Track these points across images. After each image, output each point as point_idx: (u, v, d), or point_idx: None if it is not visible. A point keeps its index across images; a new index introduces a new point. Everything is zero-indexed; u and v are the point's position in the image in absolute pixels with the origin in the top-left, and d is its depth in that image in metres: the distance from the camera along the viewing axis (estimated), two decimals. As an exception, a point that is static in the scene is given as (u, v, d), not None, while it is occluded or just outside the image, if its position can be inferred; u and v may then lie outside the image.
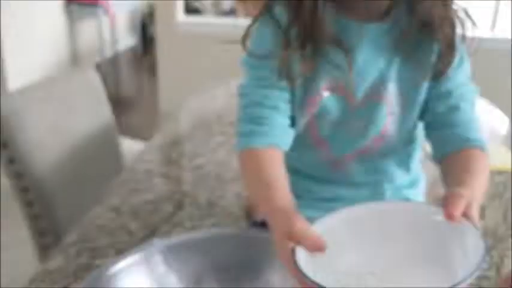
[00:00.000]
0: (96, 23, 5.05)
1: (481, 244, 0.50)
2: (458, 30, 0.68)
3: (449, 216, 0.52)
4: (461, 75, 0.71)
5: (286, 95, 0.70)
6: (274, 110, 0.69)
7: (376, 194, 0.76)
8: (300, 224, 0.54)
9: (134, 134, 2.03)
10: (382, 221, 0.57)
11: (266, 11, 0.69)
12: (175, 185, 1.09)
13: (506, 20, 4.31)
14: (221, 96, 1.66)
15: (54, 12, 4.66)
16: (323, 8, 0.64)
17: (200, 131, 1.39)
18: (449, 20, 0.67)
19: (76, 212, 1.09)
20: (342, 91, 0.70)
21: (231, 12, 5.74)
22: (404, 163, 0.78)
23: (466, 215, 0.54)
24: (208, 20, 4.06)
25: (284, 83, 0.68)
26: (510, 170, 1.17)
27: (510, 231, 0.95)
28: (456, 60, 0.68)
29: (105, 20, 5.10)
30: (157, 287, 0.63)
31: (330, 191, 0.78)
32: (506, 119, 1.48)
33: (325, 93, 0.70)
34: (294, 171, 0.75)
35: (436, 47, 0.68)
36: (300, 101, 0.71)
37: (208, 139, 1.34)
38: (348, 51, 0.66)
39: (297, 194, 0.79)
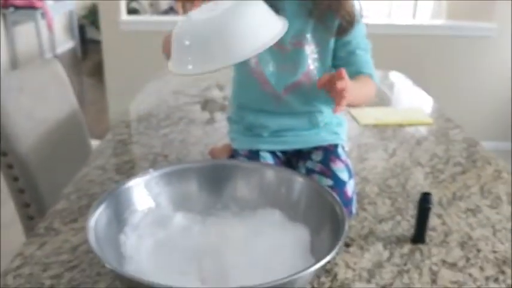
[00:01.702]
0: (35, 26, 5.03)
1: None
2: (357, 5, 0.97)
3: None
4: (358, 31, 0.98)
5: None
6: None
7: (312, 124, 1.02)
8: None
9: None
10: None
11: None
12: (148, 148, 1.29)
13: (425, 8, 4.77)
14: (176, 78, 1.88)
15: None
16: None
17: (161, 109, 1.60)
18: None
19: (55, 185, 1.26)
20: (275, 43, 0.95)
21: (169, 11, 5.88)
22: (327, 96, 1.03)
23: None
24: (151, 18, 4.20)
25: None
26: (427, 123, 1.49)
27: (415, 163, 1.24)
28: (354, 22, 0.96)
29: (43, 24, 5.09)
30: (153, 203, 0.85)
31: (277, 123, 1.03)
32: (430, 98, 1.80)
33: None
34: (247, 107, 1.03)
35: (339, 16, 0.95)
36: None
37: (169, 114, 1.55)
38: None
39: (256, 131, 1.04)
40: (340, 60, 0.99)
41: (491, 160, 1.26)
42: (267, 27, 0.76)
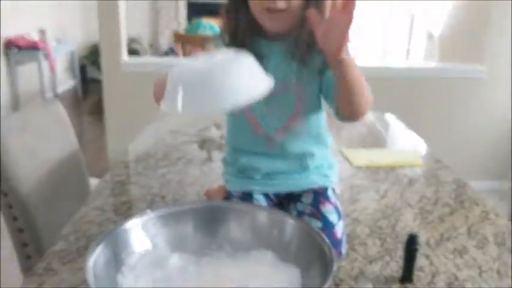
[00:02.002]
0: (37, 66, 5.14)
1: None
2: None
3: None
4: None
5: None
6: None
7: (302, 167, 1.06)
8: None
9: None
10: None
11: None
12: (146, 189, 1.33)
13: (418, 50, 4.91)
14: (174, 119, 1.93)
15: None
16: (244, 34, 1.00)
17: (159, 148, 1.64)
18: None
19: (54, 224, 1.28)
20: None
21: (169, 52, 6.02)
22: (318, 137, 1.08)
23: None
24: (152, 60, 4.30)
25: None
26: (417, 165, 1.53)
27: (405, 204, 1.27)
28: None
29: (45, 64, 5.20)
30: (150, 244, 0.88)
31: (269, 166, 1.07)
32: (422, 141, 1.84)
33: None
34: (240, 150, 1.07)
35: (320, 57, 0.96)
36: None
37: (167, 154, 1.60)
38: (262, 59, 0.92)
39: (248, 174, 1.08)
40: (329, 81, 0.97)
41: (478, 201, 1.30)
42: (253, 84, 0.82)
